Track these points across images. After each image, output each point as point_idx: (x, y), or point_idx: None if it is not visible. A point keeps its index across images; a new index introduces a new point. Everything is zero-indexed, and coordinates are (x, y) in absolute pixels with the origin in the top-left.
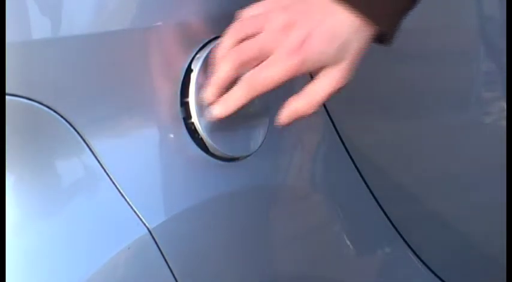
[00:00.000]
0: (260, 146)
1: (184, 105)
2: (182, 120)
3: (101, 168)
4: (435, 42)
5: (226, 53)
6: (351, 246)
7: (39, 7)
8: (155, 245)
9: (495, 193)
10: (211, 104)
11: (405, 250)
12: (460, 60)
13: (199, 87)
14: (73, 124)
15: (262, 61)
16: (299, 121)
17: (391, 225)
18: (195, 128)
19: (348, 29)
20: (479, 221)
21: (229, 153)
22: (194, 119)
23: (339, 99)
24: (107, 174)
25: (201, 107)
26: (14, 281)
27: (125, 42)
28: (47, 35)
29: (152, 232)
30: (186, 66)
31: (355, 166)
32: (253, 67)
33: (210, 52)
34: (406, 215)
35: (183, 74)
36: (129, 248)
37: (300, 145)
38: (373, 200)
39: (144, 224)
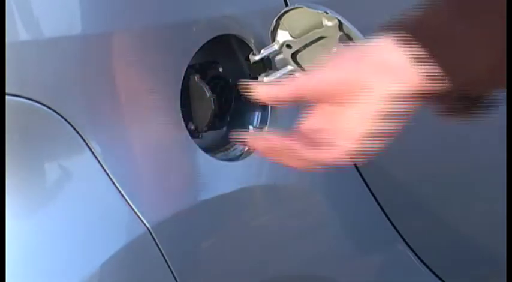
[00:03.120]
0: None
1: None
2: (182, 121)
3: (100, 168)
4: None
5: None
6: (350, 246)
7: (39, 7)
8: (155, 245)
9: (495, 193)
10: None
11: (405, 250)
12: None
13: None
14: (73, 124)
15: None
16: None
17: (391, 225)
18: None
19: None
20: (479, 221)
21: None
22: None
23: None
24: (107, 174)
25: None
26: (13, 280)
27: (124, 42)
28: (46, 35)
29: (152, 231)
30: (186, 66)
31: (355, 166)
32: None
33: None
34: (407, 215)
35: (183, 74)
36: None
37: None
38: (373, 199)
39: (144, 224)
